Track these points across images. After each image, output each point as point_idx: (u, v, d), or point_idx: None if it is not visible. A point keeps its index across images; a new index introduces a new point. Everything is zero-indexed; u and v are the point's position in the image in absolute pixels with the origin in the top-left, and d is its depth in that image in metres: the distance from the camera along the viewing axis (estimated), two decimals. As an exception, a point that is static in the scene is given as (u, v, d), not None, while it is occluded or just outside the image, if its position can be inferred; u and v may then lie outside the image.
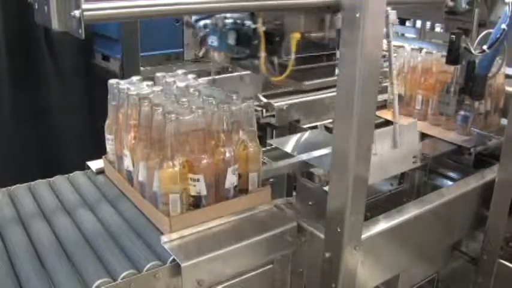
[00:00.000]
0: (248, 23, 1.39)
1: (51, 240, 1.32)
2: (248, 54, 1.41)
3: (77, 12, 1.01)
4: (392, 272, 1.56)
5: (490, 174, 1.71)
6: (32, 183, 1.62)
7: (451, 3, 1.69)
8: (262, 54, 1.34)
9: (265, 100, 2.17)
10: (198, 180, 1.33)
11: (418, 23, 2.43)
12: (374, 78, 1.18)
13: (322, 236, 1.35)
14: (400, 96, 2.05)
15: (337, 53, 1.33)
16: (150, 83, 1.56)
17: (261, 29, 1.31)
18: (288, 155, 1.72)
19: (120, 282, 1.16)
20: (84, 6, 1.00)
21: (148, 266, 1.21)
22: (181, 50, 2.99)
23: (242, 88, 2.19)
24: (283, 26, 1.33)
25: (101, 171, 1.67)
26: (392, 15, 1.38)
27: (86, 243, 1.31)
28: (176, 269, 1.23)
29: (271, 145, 1.85)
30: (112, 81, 1.55)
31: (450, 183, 1.78)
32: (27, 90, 2.79)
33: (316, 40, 1.33)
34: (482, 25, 1.80)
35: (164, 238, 1.29)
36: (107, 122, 1.57)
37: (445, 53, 1.77)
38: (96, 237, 1.32)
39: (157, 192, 1.34)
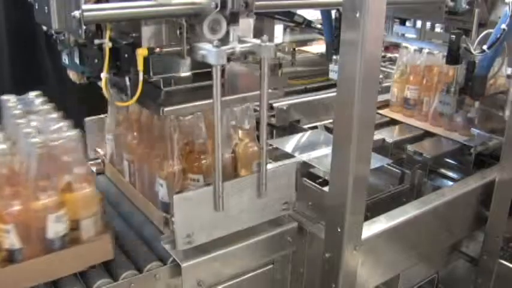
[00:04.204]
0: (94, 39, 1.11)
1: (51, 240, 1.31)
2: (95, 75, 1.14)
3: (77, 13, 1.02)
4: (393, 272, 1.56)
5: (490, 174, 1.71)
6: (32, 183, 1.61)
7: (451, 3, 1.70)
8: (104, 74, 1.11)
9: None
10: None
11: (418, 23, 2.42)
12: (374, 78, 1.17)
13: (322, 236, 1.35)
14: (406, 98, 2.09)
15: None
16: (150, 83, 1.55)
17: (108, 45, 1.08)
18: (288, 155, 1.72)
19: (120, 283, 1.16)
20: (84, 6, 1.00)
21: (148, 266, 1.21)
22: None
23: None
24: (139, 39, 1.14)
25: (101, 172, 1.67)
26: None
27: (86, 243, 1.30)
28: (176, 269, 1.23)
29: (271, 145, 1.85)
30: (112, 81, 1.54)
31: (450, 183, 1.78)
32: (26, 91, 2.79)
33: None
34: (482, 25, 1.81)
35: (164, 238, 1.29)
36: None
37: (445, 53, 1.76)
38: (96, 238, 1.32)
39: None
